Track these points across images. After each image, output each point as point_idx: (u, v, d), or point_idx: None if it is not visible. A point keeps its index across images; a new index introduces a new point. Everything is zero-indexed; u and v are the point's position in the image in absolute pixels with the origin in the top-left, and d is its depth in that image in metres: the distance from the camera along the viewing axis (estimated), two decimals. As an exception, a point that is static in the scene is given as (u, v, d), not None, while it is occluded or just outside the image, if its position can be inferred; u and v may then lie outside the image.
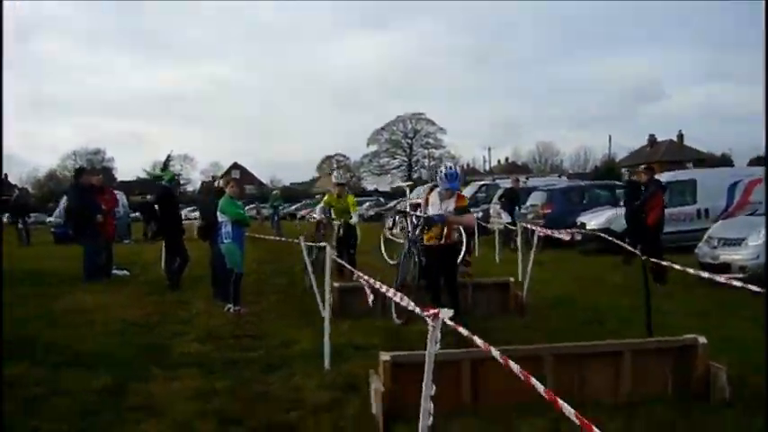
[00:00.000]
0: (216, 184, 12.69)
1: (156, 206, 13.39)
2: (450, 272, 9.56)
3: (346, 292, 10.49)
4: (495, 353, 3.31)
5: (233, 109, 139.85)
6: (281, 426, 5.68)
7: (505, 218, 20.53)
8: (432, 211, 9.40)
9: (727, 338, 7.79)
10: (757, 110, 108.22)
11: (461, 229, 11.14)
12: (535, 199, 23.74)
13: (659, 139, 77.33)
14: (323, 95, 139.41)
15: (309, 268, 10.44)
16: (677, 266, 7.31)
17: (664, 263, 9.07)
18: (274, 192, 27.42)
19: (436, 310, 3.35)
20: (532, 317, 10.05)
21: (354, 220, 13.16)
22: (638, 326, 8.58)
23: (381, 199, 59.69)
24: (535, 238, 11.04)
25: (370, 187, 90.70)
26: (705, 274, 6.75)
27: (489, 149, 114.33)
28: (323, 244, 9.46)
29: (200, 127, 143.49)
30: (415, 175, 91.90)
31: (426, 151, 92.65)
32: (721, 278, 6.32)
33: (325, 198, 13.79)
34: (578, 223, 18.94)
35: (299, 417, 5.88)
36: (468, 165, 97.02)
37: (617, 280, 13.71)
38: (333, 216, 13.37)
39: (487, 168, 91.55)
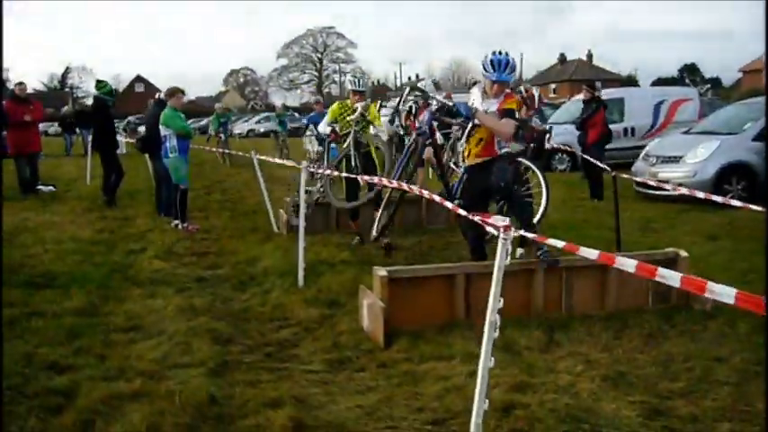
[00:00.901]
0: (156, 96, 12.08)
1: (88, 118, 12.74)
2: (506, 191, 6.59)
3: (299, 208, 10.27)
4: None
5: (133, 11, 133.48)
6: (279, 343, 5.54)
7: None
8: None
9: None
10: (662, 29, 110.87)
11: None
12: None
13: (569, 57, 78.46)
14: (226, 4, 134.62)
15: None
16: (653, 183, 7.35)
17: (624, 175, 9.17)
18: (218, 105, 25.81)
19: (507, 223, 3.22)
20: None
21: (384, 137, 9.16)
22: (599, 241, 8.77)
23: (296, 114, 58.75)
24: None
25: (278, 102, 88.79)
26: (719, 199, 6.88)
27: (400, 65, 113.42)
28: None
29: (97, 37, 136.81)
30: (325, 90, 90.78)
31: (337, 66, 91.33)
32: (719, 199, 6.35)
33: (333, 108, 9.80)
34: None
35: (293, 334, 5.76)
36: (378, 81, 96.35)
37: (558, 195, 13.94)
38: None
39: (399, 84, 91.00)
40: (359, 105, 8.97)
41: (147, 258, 8.30)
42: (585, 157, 12.37)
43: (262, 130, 52.47)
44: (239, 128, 52.40)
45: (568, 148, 15.28)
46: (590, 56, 77.37)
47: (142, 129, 14.95)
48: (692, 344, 5.43)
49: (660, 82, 63.30)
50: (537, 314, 5.99)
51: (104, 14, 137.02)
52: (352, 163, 8.79)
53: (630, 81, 67.26)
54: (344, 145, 8.98)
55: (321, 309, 6.36)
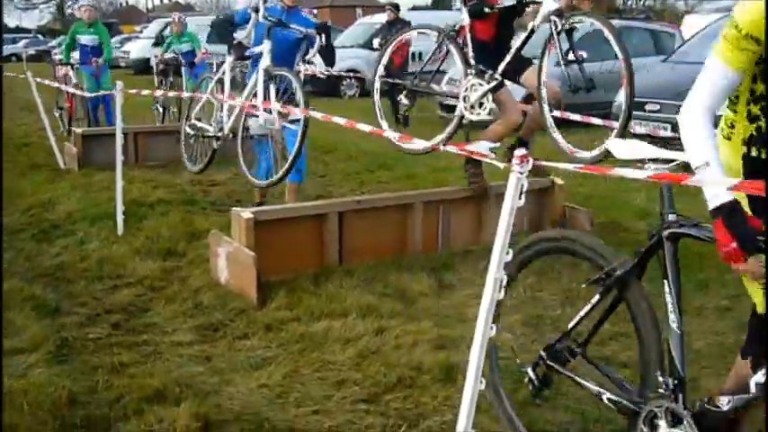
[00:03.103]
0: None
1: None
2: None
3: (91, 139, 8.83)
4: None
5: None
6: (124, 308, 4.44)
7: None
8: None
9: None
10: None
11: None
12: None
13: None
14: None
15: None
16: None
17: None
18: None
19: (526, 153, 2.45)
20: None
21: None
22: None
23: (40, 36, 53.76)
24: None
25: (12, 24, 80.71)
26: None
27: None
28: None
29: None
30: (68, 11, 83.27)
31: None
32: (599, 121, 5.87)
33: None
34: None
35: (136, 295, 4.65)
36: (126, 2, 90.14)
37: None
38: None
39: (150, 7, 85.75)
40: None
41: None
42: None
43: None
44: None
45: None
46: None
47: None
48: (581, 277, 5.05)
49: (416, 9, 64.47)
50: (415, 253, 5.33)
51: None
52: None
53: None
54: None
55: (158, 261, 5.27)
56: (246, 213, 4.71)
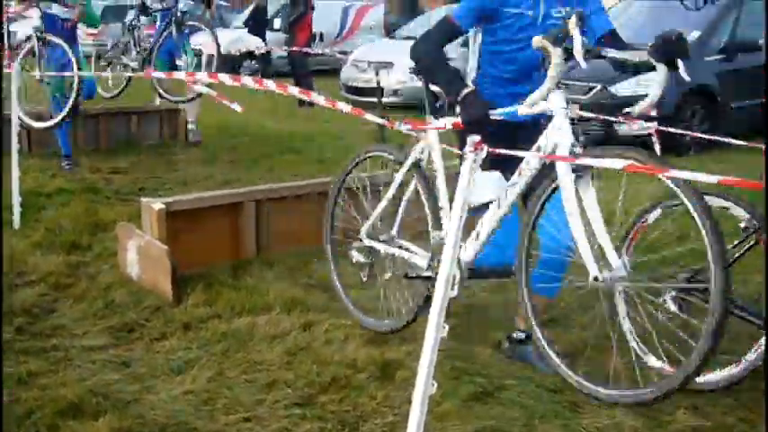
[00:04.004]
0: None
1: None
2: None
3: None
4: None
5: None
6: (27, 310, 4.07)
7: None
8: None
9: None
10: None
11: None
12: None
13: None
14: None
15: None
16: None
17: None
18: None
19: (480, 140, 2.31)
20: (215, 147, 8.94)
21: None
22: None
23: None
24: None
25: None
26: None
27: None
28: None
29: None
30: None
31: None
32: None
33: None
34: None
35: (40, 295, 4.31)
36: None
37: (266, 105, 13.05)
38: None
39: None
40: None
41: None
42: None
43: None
44: None
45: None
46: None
47: None
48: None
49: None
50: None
51: None
52: None
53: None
54: None
55: (62, 255, 4.92)
56: (158, 204, 4.44)
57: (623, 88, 9.03)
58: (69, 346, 3.66)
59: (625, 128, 8.65)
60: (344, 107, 4.14)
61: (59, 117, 6.40)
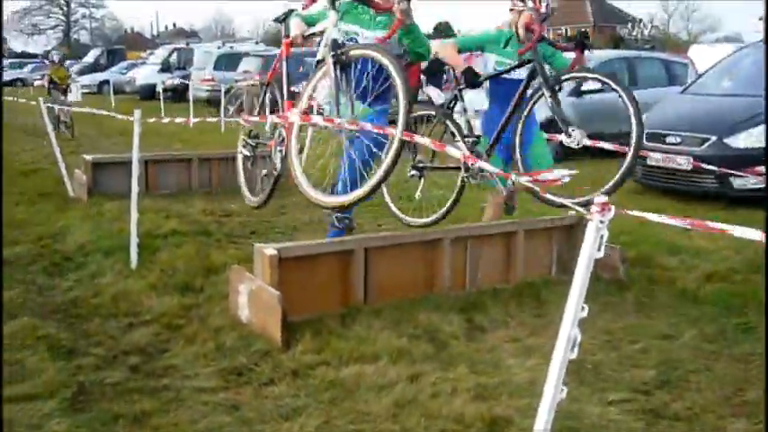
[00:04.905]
0: None
1: None
2: None
3: (102, 167, 8.66)
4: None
5: None
6: (141, 349, 4.20)
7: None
8: None
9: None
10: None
11: None
12: (248, 65, 22.38)
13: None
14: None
15: None
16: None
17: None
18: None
19: (607, 201, 2.24)
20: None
21: None
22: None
23: (46, 61, 53.79)
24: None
25: (18, 49, 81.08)
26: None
27: (157, 13, 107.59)
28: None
29: None
30: (73, 37, 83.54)
31: (87, 11, 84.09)
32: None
33: None
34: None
35: (154, 335, 4.43)
36: (132, 29, 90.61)
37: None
38: None
39: (155, 33, 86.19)
40: None
41: None
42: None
43: (6, 78, 47.00)
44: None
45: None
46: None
47: None
48: (624, 318, 4.85)
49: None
50: (443, 291, 5.12)
51: None
52: None
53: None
54: None
55: (176, 296, 5.05)
56: (270, 249, 4.50)
57: (739, 140, 8.73)
58: (181, 386, 3.72)
59: (740, 181, 8.40)
60: (454, 152, 4.11)
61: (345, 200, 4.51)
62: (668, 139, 9.18)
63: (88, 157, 8.65)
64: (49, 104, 12.08)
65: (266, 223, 7.53)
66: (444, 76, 16.23)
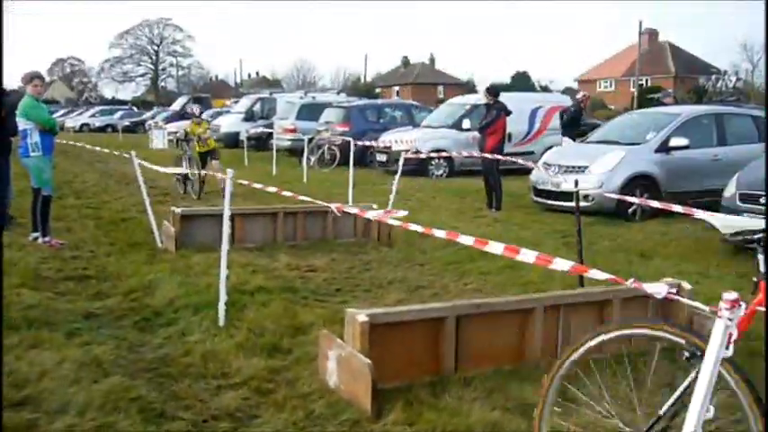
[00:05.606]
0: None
1: None
2: None
3: (190, 219, 8.79)
4: None
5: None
6: (230, 414, 4.16)
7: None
8: None
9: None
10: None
11: None
12: (330, 116, 22.71)
13: (412, 61, 79.05)
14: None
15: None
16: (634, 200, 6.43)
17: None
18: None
19: (737, 297, 2.11)
20: (407, 249, 8.98)
21: None
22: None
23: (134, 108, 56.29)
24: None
25: (109, 95, 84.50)
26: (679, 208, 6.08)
27: (241, 61, 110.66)
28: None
29: None
30: (161, 84, 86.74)
31: (174, 59, 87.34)
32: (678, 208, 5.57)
33: None
34: (389, 142, 18.37)
35: (243, 399, 4.39)
36: (216, 77, 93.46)
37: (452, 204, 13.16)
38: None
39: (238, 81, 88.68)
40: None
41: (14, 288, 6.46)
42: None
43: (97, 124, 48.95)
44: (72, 121, 48.79)
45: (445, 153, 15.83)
46: (432, 59, 78.34)
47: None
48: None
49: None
50: (534, 361, 4.95)
51: None
52: None
53: (469, 86, 68.17)
54: None
55: (264, 358, 5.01)
56: (362, 316, 4.44)
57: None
58: (273, 457, 3.65)
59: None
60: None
61: None
62: (762, 200, 8.83)
63: (177, 210, 8.79)
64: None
65: (351, 280, 7.50)
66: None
